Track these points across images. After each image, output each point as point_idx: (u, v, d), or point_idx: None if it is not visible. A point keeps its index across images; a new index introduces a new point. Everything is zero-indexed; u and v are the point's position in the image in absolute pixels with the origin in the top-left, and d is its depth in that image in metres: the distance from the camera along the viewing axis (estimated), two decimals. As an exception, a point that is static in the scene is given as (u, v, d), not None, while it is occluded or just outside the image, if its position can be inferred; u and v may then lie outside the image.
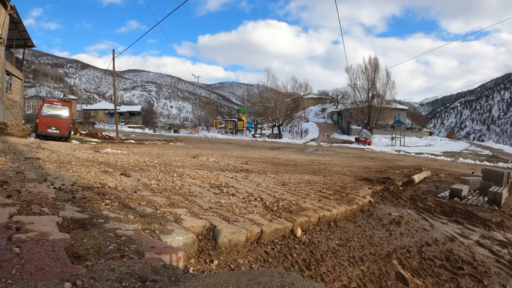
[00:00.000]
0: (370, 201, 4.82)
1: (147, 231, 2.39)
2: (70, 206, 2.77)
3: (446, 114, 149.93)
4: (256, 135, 42.56)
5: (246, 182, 5.31)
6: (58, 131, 13.65)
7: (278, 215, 3.41)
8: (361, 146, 28.96)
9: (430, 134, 45.00)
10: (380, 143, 32.72)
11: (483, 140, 73.70)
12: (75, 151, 8.35)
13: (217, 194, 4.17)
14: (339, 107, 57.75)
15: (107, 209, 2.82)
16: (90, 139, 17.71)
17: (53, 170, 4.70)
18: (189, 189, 4.28)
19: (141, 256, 1.89)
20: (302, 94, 51.97)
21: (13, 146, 8.42)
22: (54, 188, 3.40)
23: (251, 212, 3.42)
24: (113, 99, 39.04)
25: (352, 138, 35.74)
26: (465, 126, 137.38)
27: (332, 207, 3.99)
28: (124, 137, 23.50)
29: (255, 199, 4.08)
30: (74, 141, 14.26)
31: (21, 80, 22.23)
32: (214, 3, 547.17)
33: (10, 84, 19.97)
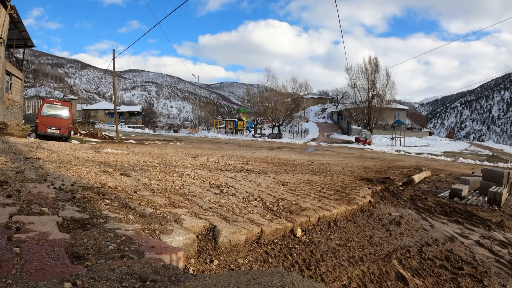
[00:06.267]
0: (370, 201, 4.82)
1: (147, 231, 2.39)
2: (70, 206, 2.77)
3: (446, 114, 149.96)
4: (256, 135, 42.54)
5: (246, 182, 5.31)
6: (58, 131, 13.65)
7: (278, 215, 3.41)
8: (361, 146, 28.95)
9: (430, 134, 44.98)
10: (380, 143, 32.71)
11: (483, 140, 73.66)
12: (75, 151, 8.35)
13: (217, 194, 4.17)
14: (339, 107, 57.72)
15: (107, 209, 2.82)
16: (90, 139, 17.71)
17: (53, 170, 4.70)
18: (189, 189, 4.29)
19: (141, 256, 1.90)
20: (302, 94, 51.89)
21: (13, 146, 8.42)
22: (54, 188, 3.40)
23: (251, 212, 3.42)
24: (113, 99, 39.02)
25: (352, 138, 35.72)
26: (465, 126, 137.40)
27: (332, 207, 3.99)
28: (124, 137, 23.50)
29: (255, 199, 4.08)
30: (74, 141, 14.25)
31: (21, 80, 22.23)
32: (215, 3, 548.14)
33: (10, 84, 19.97)
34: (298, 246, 2.89)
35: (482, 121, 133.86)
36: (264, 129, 50.43)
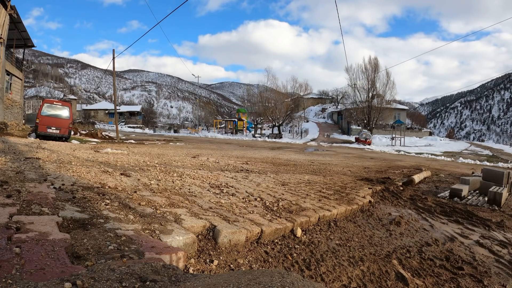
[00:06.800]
0: (370, 201, 4.82)
1: (147, 231, 2.39)
2: (70, 206, 2.77)
3: (446, 114, 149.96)
4: (256, 135, 42.53)
5: (246, 182, 5.31)
6: (58, 131, 13.65)
7: (278, 215, 3.41)
8: (361, 146, 28.93)
9: (430, 134, 44.96)
10: (380, 143, 32.70)
11: (483, 140, 73.70)
12: (75, 151, 8.35)
13: (217, 194, 4.17)
14: (339, 107, 57.71)
15: (107, 209, 2.82)
16: (90, 139, 17.71)
17: (53, 170, 4.70)
18: (189, 189, 4.28)
19: (141, 256, 1.90)
20: (302, 94, 51.85)
21: (13, 146, 8.42)
22: (54, 188, 3.40)
23: (251, 212, 3.42)
24: (113, 99, 39.03)
25: (352, 138, 35.72)
26: (465, 126, 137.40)
27: (332, 207, 3.99)
28: (124, 137, 23.49)
29: (255, 199, 4.08)
30: (74, 141, 14.25)
31: (21, 80, 22.23)
32: (215, 3, 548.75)
33: (10, 84, 19.96)
34: (298, 246, 2.89)
35: (482, 121, 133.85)
36: (264, 129, 50.42)
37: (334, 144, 30.95)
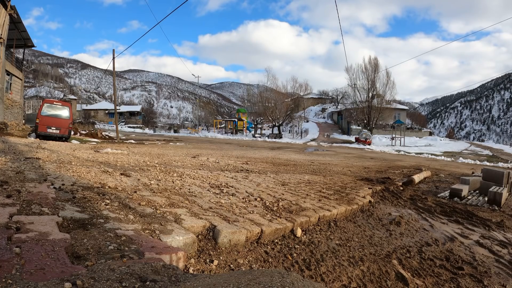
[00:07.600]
0: (370, 201, 4.82)
1: (147, 231, 2.39)
2: (70, 206, 2.77)
3: (446, 114, 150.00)
4: (256, 135, 42.52)
5: (246, 182, 5.31)
6: (58, 131, 13.65)
7: (278, 215, 3.41)
8: (361, 146, 28.93)
9: (430, 134, 44.95)
10: (380, 143, 32.70)
11: (483, 140, 73.74)
12: (75, 151, 8.35)
13: (217, 194, 4.17)
14: (339, 107, 57.69)
15: (107, 209, 2.82)
16: (90, 139, 17.71)
17: (53, 170, 4.70)
18: (189, 189, 4.28)
19: (141, 256, 1.90)
20: (302, 94, 51.88)
21: (13, 146, 8.42)
22: (54, 188, 3.40)
23: (251, 212, 3.42)
24: (113, 99, 39.05)
25: (352, 138, 35.72)
26: (465, 126, 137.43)
27: (332, 207, 3.99)
28: (124, 137, 23.50)
29: (255, 199, 4.08)
30: (74, 141, 14.25)
31: (21, 80, 22.22)
32: (215, 3, 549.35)
33: (10, 84, 19.96)
34: (298, 246, 2.89)
35: (482, 121, 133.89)
36: (264, 129, 50.42)
37: (334, 144, 30.95)
